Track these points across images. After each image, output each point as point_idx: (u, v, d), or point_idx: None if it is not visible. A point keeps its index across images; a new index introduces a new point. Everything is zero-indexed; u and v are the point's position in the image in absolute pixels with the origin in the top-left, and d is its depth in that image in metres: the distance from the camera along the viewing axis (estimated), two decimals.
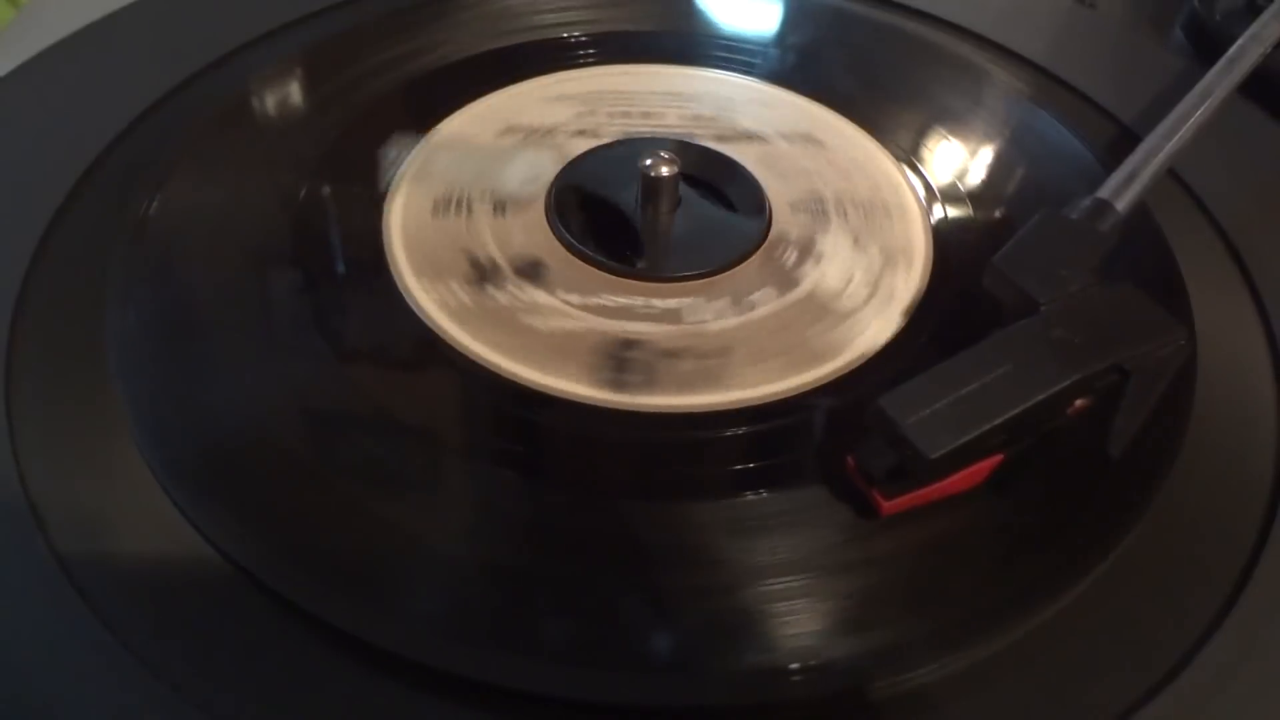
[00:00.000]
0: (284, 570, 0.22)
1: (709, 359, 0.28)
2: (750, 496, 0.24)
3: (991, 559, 0.24)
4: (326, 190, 0.32)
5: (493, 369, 0.27)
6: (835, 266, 0.31)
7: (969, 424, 0.23)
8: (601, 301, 0.29)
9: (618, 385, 0.27)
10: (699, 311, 0.29)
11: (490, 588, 0.23)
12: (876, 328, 0.29)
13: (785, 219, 0.32)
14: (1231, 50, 0.35)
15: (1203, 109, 0.33)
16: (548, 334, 0.28)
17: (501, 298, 0.29)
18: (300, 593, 0.21)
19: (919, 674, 0.22)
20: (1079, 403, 0.24)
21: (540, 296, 0.29)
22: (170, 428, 0.25)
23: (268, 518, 0.23)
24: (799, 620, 0.22)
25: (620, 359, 0.27)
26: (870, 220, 0.33)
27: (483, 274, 0.30)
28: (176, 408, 0.25)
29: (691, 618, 0.22)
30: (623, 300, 0.29)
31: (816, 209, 0.33)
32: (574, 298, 0.29)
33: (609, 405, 0.26)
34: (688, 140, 0.35)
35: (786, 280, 0.30)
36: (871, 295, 0.30)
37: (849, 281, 0.30)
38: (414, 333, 0.28)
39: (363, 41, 0.38)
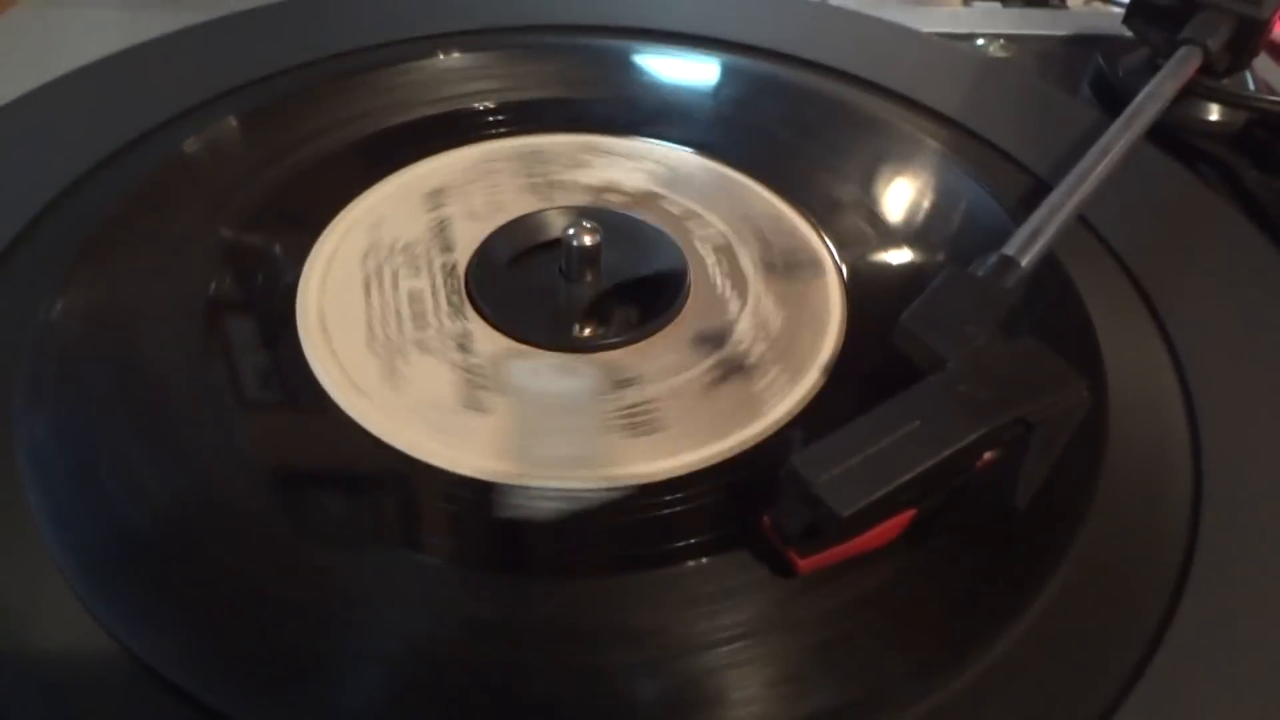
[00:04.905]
0: (186, 666, 0.22)
1: (634, 429, 0.28)
2: (674, 568, 0.24)
3: (907, 621, 0.24)
4: (236, 281, 0.32)
5: (392, 446, 0.27)
6: (753, 328, 0.31)
7: (879, 481, 0.23)
8: (525, 375, 0.29)
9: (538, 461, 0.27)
10: (620, 379, 0.29)
11: (422, 683, 0.22)
12: (796, 387, 0.29)
13: (703, 283, 0.33)
14: (1130, 107, 0.36)
15: (1104, 163, 0.34)
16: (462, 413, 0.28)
17: (408, 371, 0.29)
18: (206, 690, 0.21)
19: None
20: (987, 456, 0.25)
21: (453, 375, 0.29)
22: (79, 526, 0.25)
23: (174, 615, 0.23)
24: (735, 686, 0.22)
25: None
26: (786, 281, 0.33)
27: (394, 355, 0.30)
28: (85, 506, 0.25)
29: (625, 694, 0.22)
30: (545, 376, 0.30)
31: (734, 272, 0.34)
32: (500, 371, 0.29)
33: (528, 484, 0.26)
34: (604, 208, 0.36)
35: (706, 343, 0.31)
36: (790, 355, 0.30)
37: (767, 342, 0.31)
38: (326, 422, 0.28)
39: (277, 117, 0.38)
